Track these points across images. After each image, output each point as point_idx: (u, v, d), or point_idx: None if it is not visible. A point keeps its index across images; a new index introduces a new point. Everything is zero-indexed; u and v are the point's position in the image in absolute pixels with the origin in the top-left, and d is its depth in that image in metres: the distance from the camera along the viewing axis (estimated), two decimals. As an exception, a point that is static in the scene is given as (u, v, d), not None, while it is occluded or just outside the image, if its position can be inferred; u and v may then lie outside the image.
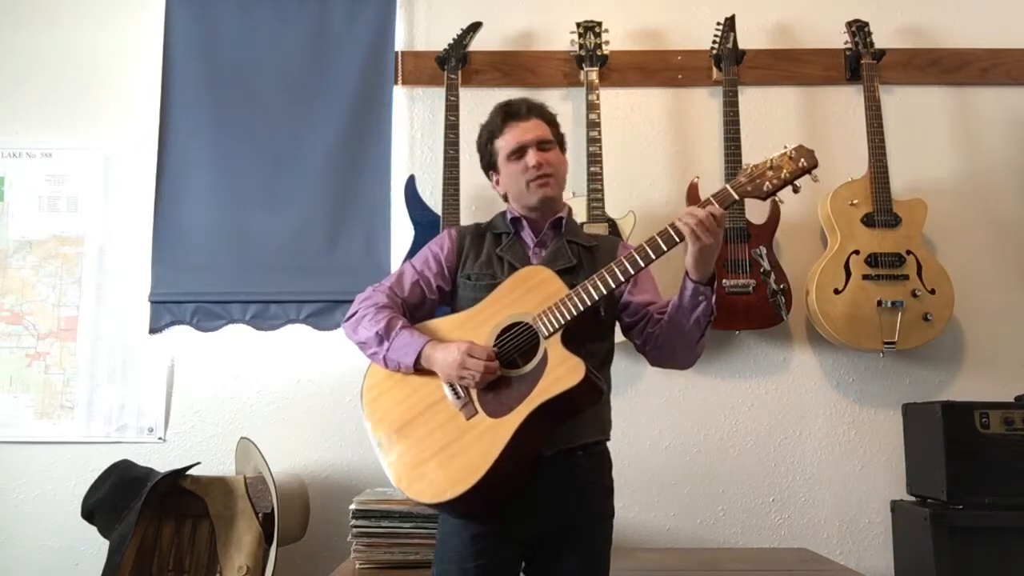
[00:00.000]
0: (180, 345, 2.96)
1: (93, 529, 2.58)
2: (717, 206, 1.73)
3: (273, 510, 2.45)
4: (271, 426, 2.90)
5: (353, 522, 2.44)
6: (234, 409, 2.94)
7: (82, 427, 2.94)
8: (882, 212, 2.81)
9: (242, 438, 2.69)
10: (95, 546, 2.64)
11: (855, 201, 2.83)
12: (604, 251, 1.96)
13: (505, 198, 2.04)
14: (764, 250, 2.75)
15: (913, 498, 2.73)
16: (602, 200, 2.80)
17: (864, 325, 2.74)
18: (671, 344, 1.85)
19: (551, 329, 1.76)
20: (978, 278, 2.94)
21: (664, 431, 2.91)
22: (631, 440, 2.88)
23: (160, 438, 2.93)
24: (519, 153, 1.93)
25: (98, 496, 2.57)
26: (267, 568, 2.42)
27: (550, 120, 1.99)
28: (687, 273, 1.77)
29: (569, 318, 1.76)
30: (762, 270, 2.74)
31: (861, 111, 2.90)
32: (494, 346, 1.80)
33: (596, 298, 1.77)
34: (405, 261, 2.13)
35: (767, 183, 1.74)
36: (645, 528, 2.85)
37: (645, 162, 3.04)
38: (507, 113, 1.96)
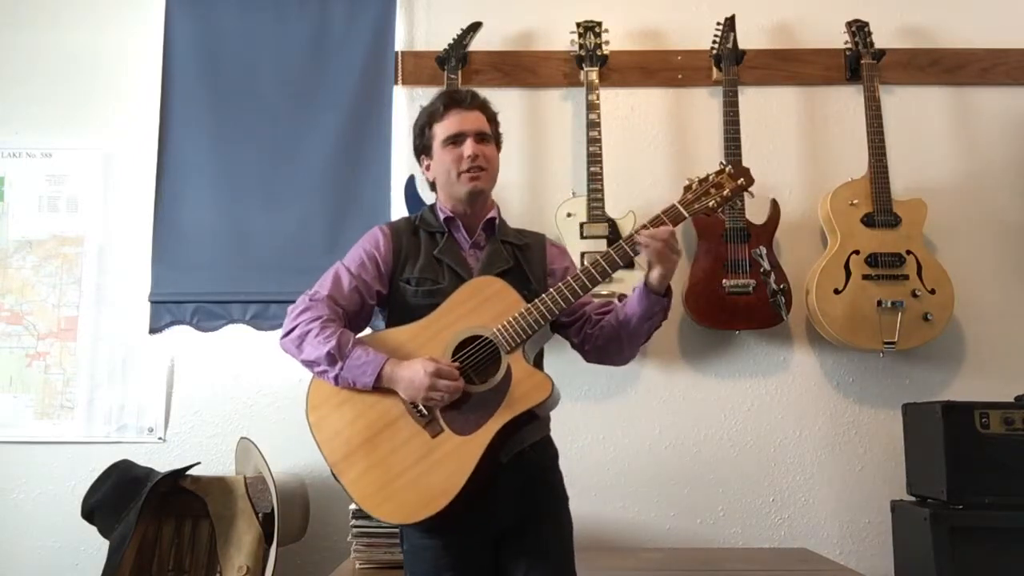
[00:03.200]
0: (180, 345, 2.96)
1: (93, 529, 2.58)
2: (671, 225, 1.79)
3: (273, 510, 2.45)
4: (271, 426, 2.90)
5: (353, 522, 2.44)
6: (234, 409, 2.94)
7: (82, 427, 2.94)
8: (882, 212, 2.81)
9: (242, 438, 2.69)
10: (95, 546, 2.63)
11: (855, 201, 2.83)
12: (533, 248, 1.98)
13: (432, 186, 2.01)
14: (764, 250, 2.75)
15: (913, 498, 2.73)
16: (602, 200, 2.80)
17: (864, 325, 2.74)
18: (617, 345, 1.90)
19: (513, 344, 1.76)
20: (978, 278, 2.94)
21: (664, 431, 2.91)
22: (631, 440, 2.88)
23: (160, 438, 2.93)
24: (457, 140, 1.90)
25: (98, 496, 2.57)
26: (267, 568, 2.43)
27: (491, 117, 1.96)
28: (648, 286, 1.81)
29: (531, 333, 1.76)
30: (762, 270, 2.74)
31: (861, 111, 2.90)
32: (452, 360, 1.78)
33: (556, 313, 1.79)
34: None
35: (711, 200, 1.83)
36: (645, 528, 2.85)
37: (645, 162, 3.04)
38: (451, 99, 1.93)
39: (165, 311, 2.91)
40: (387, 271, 1.91)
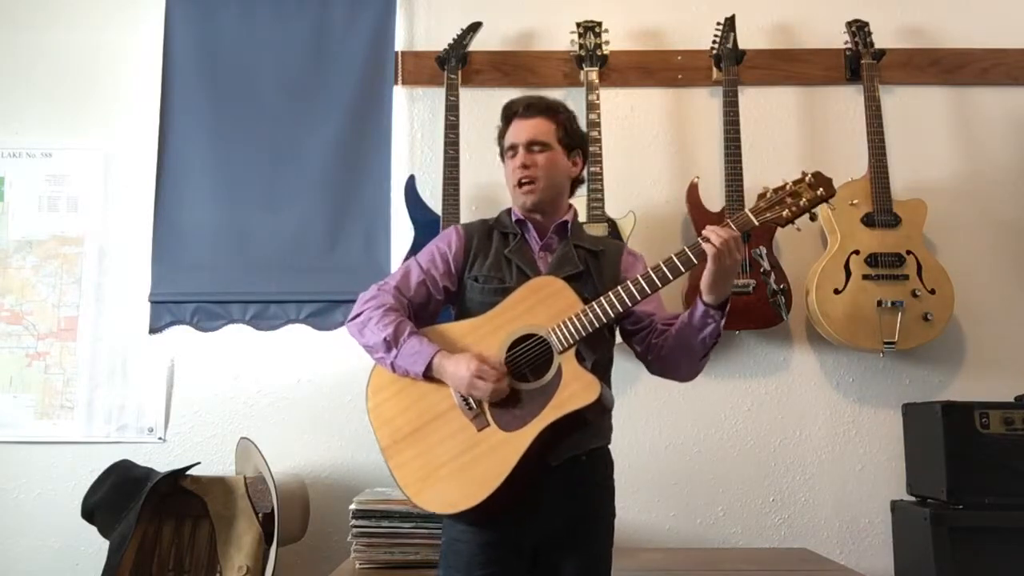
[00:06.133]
0: (180, 345, 2.96)
1: (93, 529, 2.58)
2: (736, 231, 1.75)
3: (273, 510, 2.45)
4: (271, 426, 2.90)
5: (353, 522, 2.44)
6: (234, 409, 2.94)
7: (82, 427, 2.94)
8: (882, 212, 2.81)
9: (242, 438, 2.69)
10: (95, 546, 2.63)
11: (855, 201, 2.83)
12: (609, 256, 1.96)
13: None
14: (764, 250, 2.75)
15: (913, 498, 2.73)
16: (602, 200, 2.80)
17: (864, 325, 2.74)
18: (675, 358, 1.87)
19: (566, 344, 1.75)
20: (978, 278, 2.94)
21: (664, 431, 2.91)
22: (631, 440, 2.88)
23: (160, 438, 2.93)
24: (511, 152, 1.93)
25: (98, 496, 2.57)
26: (267, 568, 2.43)
27: (556, 119, 1.95)
28: (700, 294, 1.79)
29: (585, 335, 1.75)
30: (762, 270, 2.74)
31: (861, 111, 2.90)
32: (506, 357, 1.79)
33: (612, 316, 1.76)
34: (406, 259, 2.10)
35: (786, 210, 1.77)
36: (645, 528, 2.85)
37: (645, 162, 3.04)
38: (508, 110, 1.97)
39: (165, 311, 2.91)
40: (457, 268, 1.94)
